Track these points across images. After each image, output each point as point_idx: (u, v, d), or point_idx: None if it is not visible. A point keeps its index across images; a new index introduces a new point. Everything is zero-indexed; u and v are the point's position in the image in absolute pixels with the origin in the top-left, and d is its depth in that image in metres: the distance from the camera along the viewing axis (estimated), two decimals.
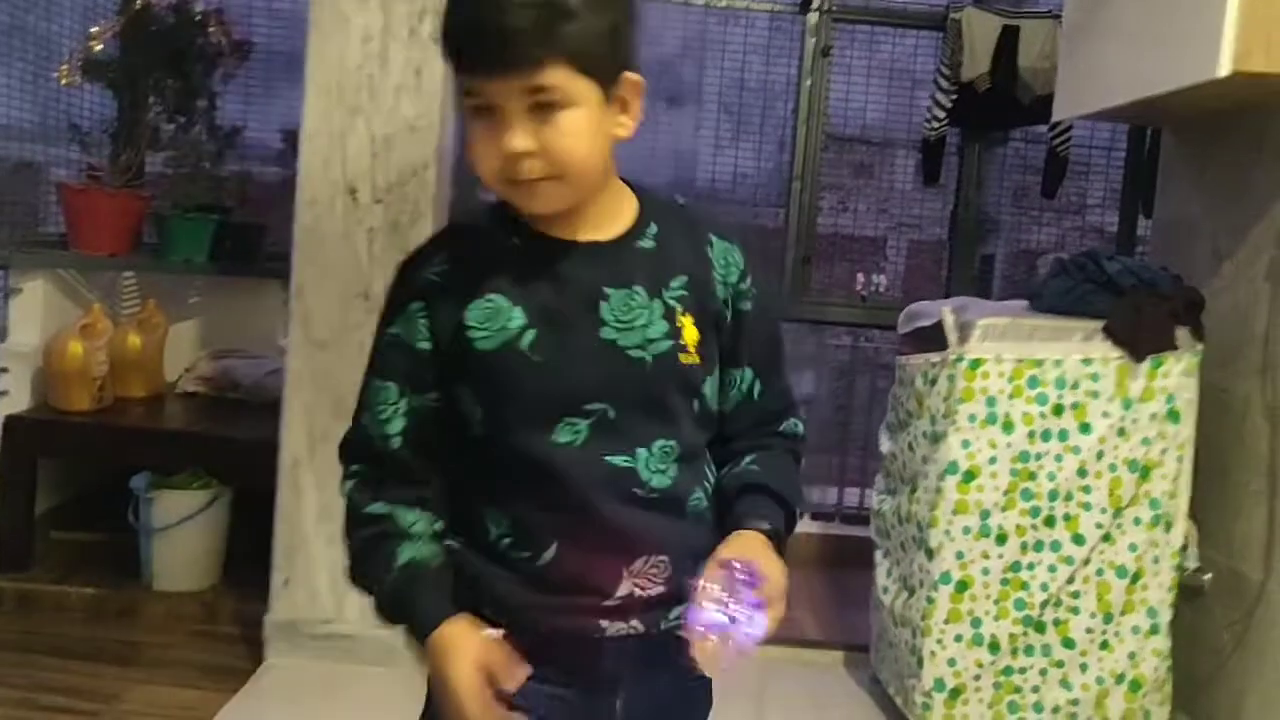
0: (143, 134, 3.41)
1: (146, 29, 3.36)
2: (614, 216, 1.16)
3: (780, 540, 1.16)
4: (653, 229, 1.17)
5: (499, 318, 1.09)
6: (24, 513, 3.09)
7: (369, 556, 1.15)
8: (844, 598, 3.38)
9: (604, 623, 1.15)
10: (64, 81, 3.27)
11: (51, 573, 3.06)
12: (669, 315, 1.14)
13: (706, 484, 1.21)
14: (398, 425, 1.14)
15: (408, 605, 1.12)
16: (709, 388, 1.19)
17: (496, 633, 1.09)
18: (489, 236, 1.14)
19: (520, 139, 1.03)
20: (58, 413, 3.15)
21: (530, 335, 1.09)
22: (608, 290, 1.12)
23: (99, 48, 3.29)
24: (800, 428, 1.28)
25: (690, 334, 1.15)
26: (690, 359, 1.15)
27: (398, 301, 1.14)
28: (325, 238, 2.60)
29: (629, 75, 1.09)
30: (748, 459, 1.23)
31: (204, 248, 3.50)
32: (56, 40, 3.53)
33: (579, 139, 1.05)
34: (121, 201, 3.33)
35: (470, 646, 1.07)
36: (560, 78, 1.02)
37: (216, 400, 3.50)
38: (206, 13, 3.43)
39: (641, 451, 1.13)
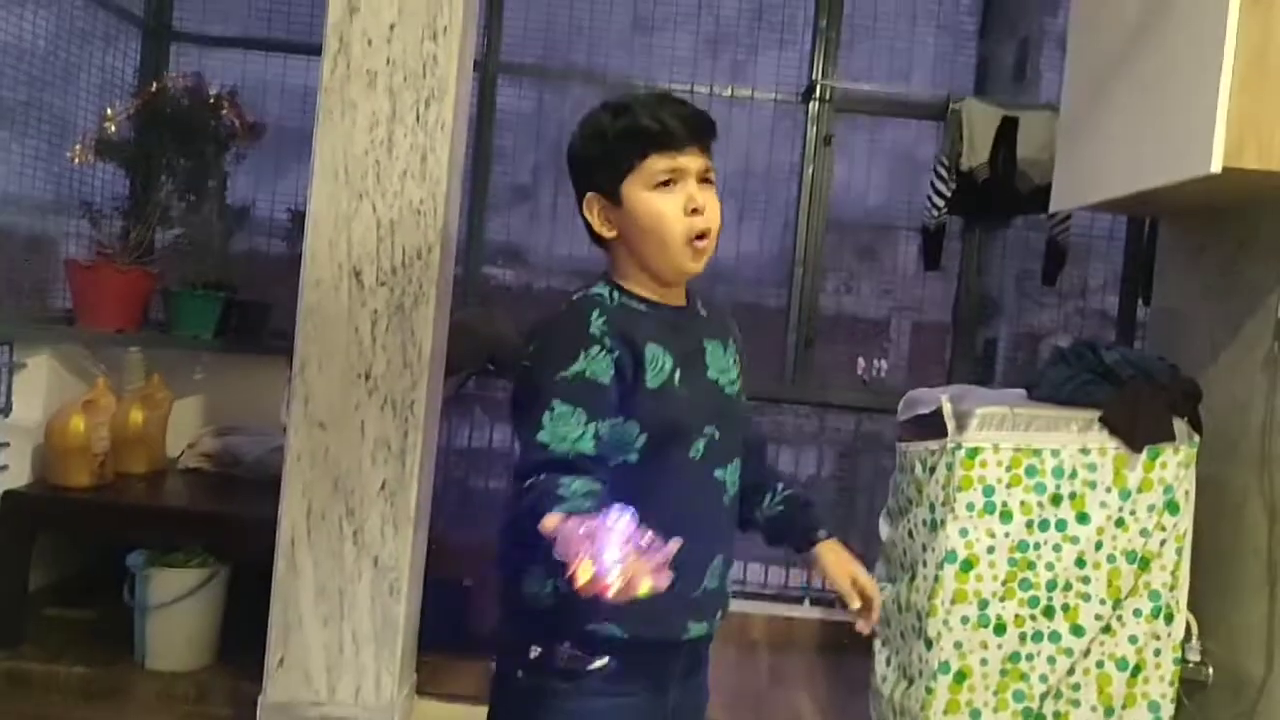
0: (153, 212, 3.45)
1: (162, 111, 3.42)
2: (681, 294, 1.52)
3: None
4: (698, 302, 1.55)
5: (659, 361, 1.40)
6: (18, 589, 3.07)
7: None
8: (844, 684, 3.34)
9: (690, 623, 1.43)
10: (77, 160, 3.32)
11: (43, 651, 3.03)
12: (738, 364, 1.54)
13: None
14: (587, 444, 1.33)
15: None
16: None
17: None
18: (620, 304, 1.44)
19: (704, 198, 1.42)
20: (57, 488, 3.15)
21: (678, 375, 1.42)
22: (705, 343, 1.49)
23: (113, 129, 3.34)
24: None
25: (744, 380, 1.55)
26: (744, 398, 1.55)
27: (575, 348, 1.36)
28: (329, 318, 2.62)
29: None
30: (780, 484, 1.64)
31: (211, 324, 3.53)
32: (72, 116, 3.60)
33: (718, 212, 1.45)
34: (130, 278, 3.37)
35: None
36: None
37: (218, 477, 3.50)
38: (220, 95, 3.49)
39: (730, 466, 1.49)
